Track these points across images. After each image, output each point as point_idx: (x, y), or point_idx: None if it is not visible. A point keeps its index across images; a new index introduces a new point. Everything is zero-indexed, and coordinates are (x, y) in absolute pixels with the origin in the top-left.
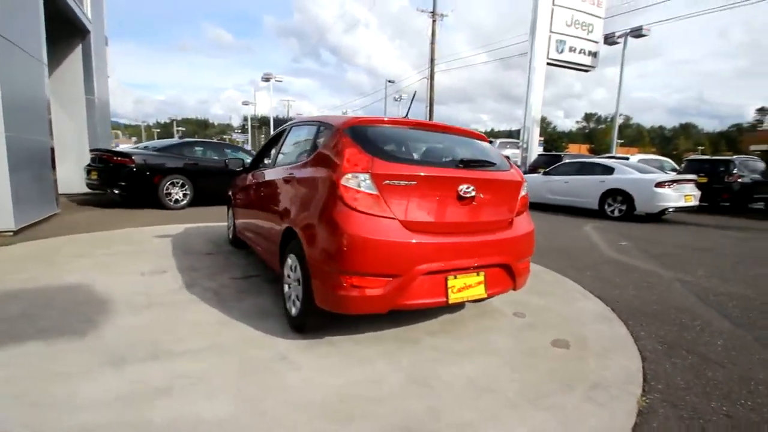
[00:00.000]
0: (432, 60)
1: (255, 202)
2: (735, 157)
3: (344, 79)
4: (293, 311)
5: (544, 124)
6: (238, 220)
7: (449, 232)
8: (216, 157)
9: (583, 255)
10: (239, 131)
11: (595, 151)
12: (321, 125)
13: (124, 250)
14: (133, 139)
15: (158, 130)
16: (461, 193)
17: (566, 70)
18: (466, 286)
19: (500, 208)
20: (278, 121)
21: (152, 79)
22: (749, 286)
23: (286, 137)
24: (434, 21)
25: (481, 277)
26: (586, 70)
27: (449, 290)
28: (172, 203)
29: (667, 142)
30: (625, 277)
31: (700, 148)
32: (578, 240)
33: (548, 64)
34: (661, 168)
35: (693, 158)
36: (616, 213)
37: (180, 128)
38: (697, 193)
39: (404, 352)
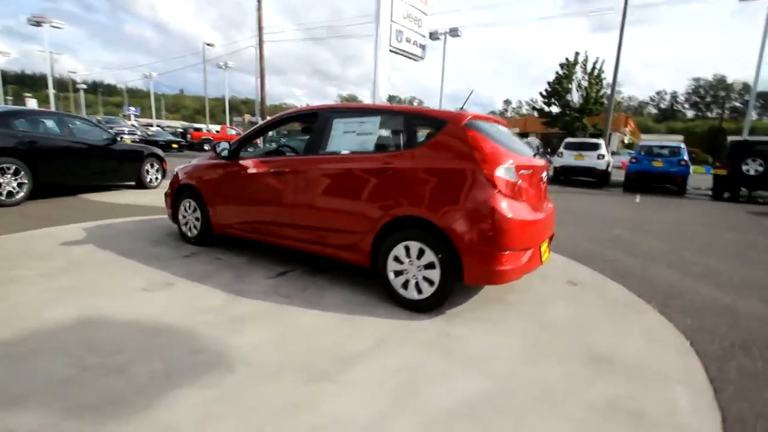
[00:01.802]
0: (260, 28)
1: (292, 193)
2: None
3: (122, 31)
4: (416, 295)
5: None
6: (220, 212)
7: (541, 210)
8: (61, 133)
9: None
10: None
11: None
12: (412, 116)
13: (60, 266)
14: None
15: None
16: (542, 178)
17: (401, 57)
18: (544, 252)
19: (545, 188)
20: (59, 81)
21: None
22: (613, 232)
23: (328, 125)
24: None
25: (546, 244)
26: (416, 60)
27: (542, 255)
28: (3, 197)
29: None
30: None
31: None
32: None
33: (390, 51)
34: None
35: None
36: None
37: None
38: None
39: (514, 311)
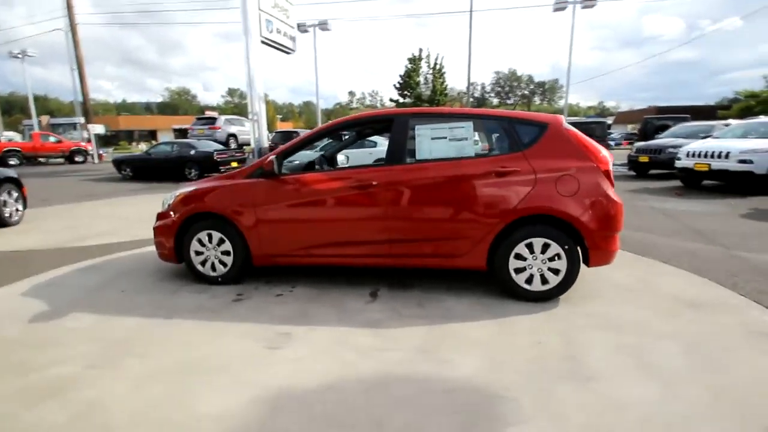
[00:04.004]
0: (69, 7)
1: (387, 207)
2: None
3: None
4: (541, 287)
5: (189, 96)
6: (268, 241)
7: None
8: None
9: None
10: None
11: (311, 128)
12: (514, 120)
13: (95, 350)
14: None
15: None
16: None
17: (273, 50)
18: None
19: None
20: None
21: None
22: None
23: (409, 132)
24: None
25: None
26: (288, 53)
27: None
28: None
29: (297, 117)
30: None
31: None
32: None
33: (262, 42)
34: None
35: None
36: None
37: None
38: None
39: (594, 285)
